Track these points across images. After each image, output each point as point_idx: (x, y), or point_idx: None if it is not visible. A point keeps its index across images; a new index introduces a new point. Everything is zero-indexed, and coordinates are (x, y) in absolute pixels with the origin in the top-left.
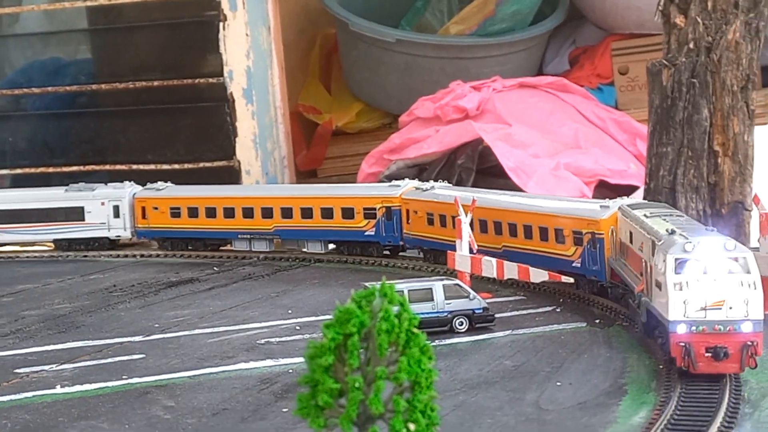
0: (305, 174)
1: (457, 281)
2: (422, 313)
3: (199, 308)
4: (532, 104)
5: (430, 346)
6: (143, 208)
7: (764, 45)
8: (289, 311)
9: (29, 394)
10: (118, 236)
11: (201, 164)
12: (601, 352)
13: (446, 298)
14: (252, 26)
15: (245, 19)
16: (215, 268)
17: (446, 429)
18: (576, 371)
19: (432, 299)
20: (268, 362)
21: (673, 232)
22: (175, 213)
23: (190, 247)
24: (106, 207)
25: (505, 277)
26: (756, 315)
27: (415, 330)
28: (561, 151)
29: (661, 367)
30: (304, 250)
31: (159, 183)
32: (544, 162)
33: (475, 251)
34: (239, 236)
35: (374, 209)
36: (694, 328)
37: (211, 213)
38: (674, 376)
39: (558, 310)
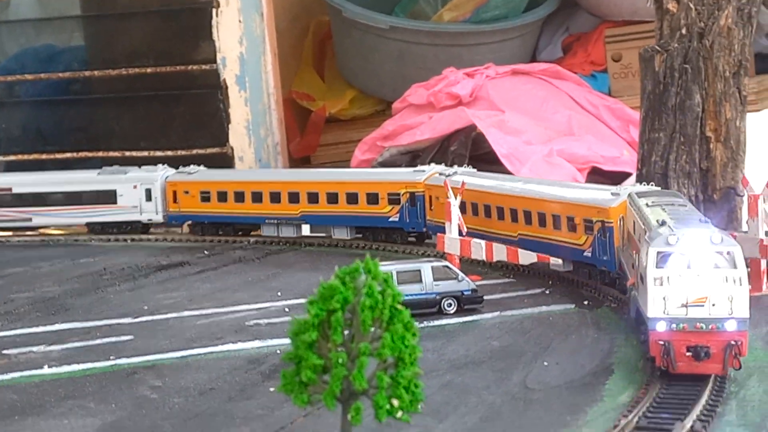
0: (298, 161)
1: (446, 263)
2: (411, 295)
3: (188, 291)
4: (526, 91)
5: (413, 322)
6: (174, 192)
7: (757, 31)
8: (279, 293)
9: (17, 375)
10: (150, 220)
11: (194, 151)
12: (589, 333)
13: (435, 280)
14: (245, 13)
15: (238, 5)
16: (206, 252)
17: (432, 408)
18: (563, 352)
19: (421, 281)
20: (257, 343)
21: (663, 224)
22: (205, 197)
23: (220, 232)
24: (138, 190)
25: (494, 260)
26: (741, 313)
27: (399, 306)
28: (554, 137)
29: None
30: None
31: (191, 166)
32: (537, 149)
33: (464, 234)
34: (266, 221)
35: (398, 195)
36: (674, 325)
37: (239, 197)
38: None
39: (547, 292)
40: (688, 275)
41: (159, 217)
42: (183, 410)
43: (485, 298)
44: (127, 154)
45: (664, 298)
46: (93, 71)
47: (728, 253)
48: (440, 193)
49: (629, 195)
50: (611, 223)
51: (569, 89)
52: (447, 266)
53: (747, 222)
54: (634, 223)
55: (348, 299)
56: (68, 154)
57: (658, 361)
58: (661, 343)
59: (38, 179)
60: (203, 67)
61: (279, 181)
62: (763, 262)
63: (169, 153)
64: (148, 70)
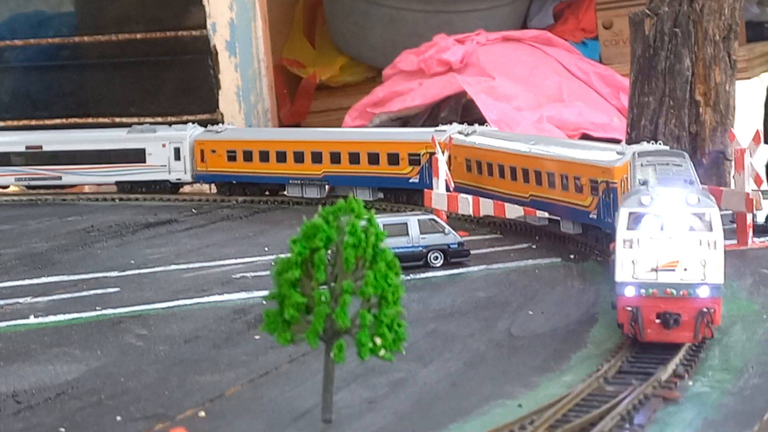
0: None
1: (433, 216)
2: (397, 248)
3: (175, 246)
4: (516, 57)
5: (397, 261)
6: (202, 151)
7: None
8: (266, 248)
9: (2, 324)
10: (179, 180)
11: (184, 117)
12: (574, 284)
13: (421, 233)
14: None
15: None
16: (194, 210)
17: (417, 354)
18: (549, 302)
19: (407, 234)
20: (243, 295)
21: (644, 183)
22: (232, 156)
23: (247, 192)
24: (167, 149)
25: (481, 214)
26: (714, 278)
27: (382, 245)
28: (544, 104)
29: None
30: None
31: (219, 125)
32: (527, 115)
33: (451, 189)
34: (290, 182)
35: (419, 155)
36: (643, 291)
37: (264, 157)
38: None
39: (534, 246)
40: (660, 238)
41: (188, 177)
42: (168, 357)
43: (472, 252)
44: (117, 119)
45: (632, 262)
46: (83, 37)
47: (705, 215)
48: (458, 152)
49: (633, 154)
50: (615, 183)
51: (560, 56)
52: (433, 220)
53: (733, 176)
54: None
55: (331, 237)
56: (58, 120)
57: (626, 328)
58: (629, 309)
59: (68, 137)
60: (193, 32)
61: (302, 141)
62: (749, 216)
63: (159, 119)
64: (138, 35)
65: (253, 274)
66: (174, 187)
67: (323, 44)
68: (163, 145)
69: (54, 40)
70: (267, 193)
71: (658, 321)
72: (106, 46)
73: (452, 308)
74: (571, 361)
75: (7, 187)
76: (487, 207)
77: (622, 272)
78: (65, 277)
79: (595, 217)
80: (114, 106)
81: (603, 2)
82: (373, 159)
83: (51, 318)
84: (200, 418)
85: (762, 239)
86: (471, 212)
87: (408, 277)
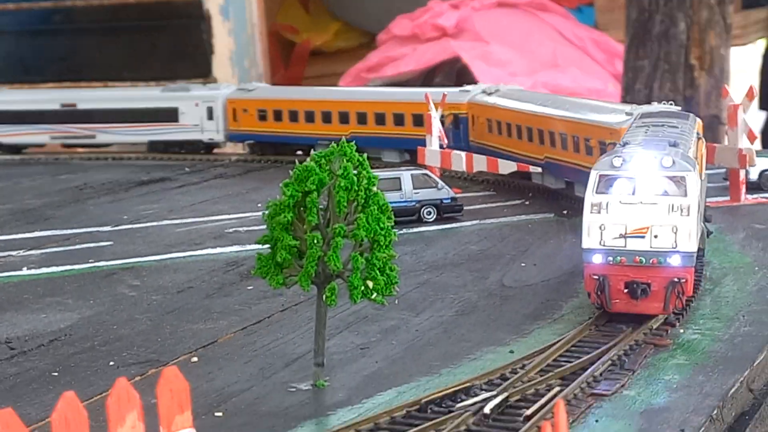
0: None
1: (426, 171)
2: (390, 202)
3: (168, 203)
4: (511, 23)
5: (389, 205)
6: (234, 110)
7: None
8: (259, 204)
9: None
10: (211, 139)
11: (178, 82)
12: (567, 238)
13: (414, 188)
14: None
15: None
16: (187, 169)
17: (409, 303)
18: (541, 255)
19: (400, 188)
20: (235, 248)
21: (624, 145)
22: (262, 116)
23: (279, 152)
24: (200, 108)
25: (474, 170)
26: (686, 246)
27: (374, 189)
28: (539, 70)
29: None
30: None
31: (253, 82)
32: (521, 81)
33: (445, 146)
34: (318, 143)
35: (443, 116)
36: (610, 258)
37: (293, 117)
38: None
39: (527, 203)
40: (630, 202)
41: (220, 137)
42: (161, 306)
43: (465, 208)
44: (110, 84)
45: (600, 227)
46: (75, 1)
47: (680, 178)
48: (479, 112)
49: (637, 115)
50: None
51: (555, 22)
52: (426, 174)
53: (726, 132)
54: None
55: (323, 181)
56: (50, 84)
57: (592, 298)
58: (596, 277)
59: (103, 95)
60: None
61: (330, 100)
62: (742, 172)
63: (153, 84)
64: (131, 0)
65: (246, 228)
66: (207, 147)
67: (317, 10)
68: (196, 104)
69: (46, 5)
70: (300, 153)
71: (626, 291)
72: (99, 10)
73: (445, 261)
74: (563, 310)
75: (43, 145)
76: (480, 163)
77: (588, 238)
78: (58, 232)
79: None
80: (107, 71)
81: None
82: (399, 120)
83: (44, 270)
84: (193, 363)
85: (755, 195)
86: (464, 168)
87: (401, 232)
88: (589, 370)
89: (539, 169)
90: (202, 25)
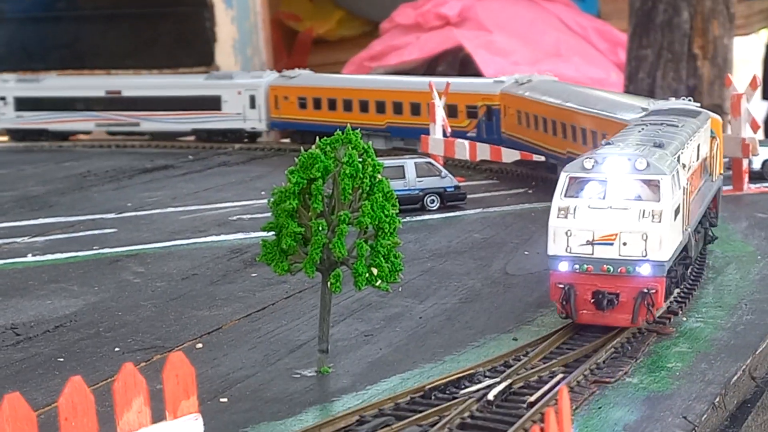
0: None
1: (429, 159)
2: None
3: (172, 190)
4: (514, 12)
5: (394, 192)
6: (275, 98)
7: None
8: (262, 192)
9: (0, 262)
10: (254, 128)
11: (180, 70)
12: None
13: (418, 176)
14: None
15: None
16: (190, 157)
17: (413, 290)
18: (544, 243)
19: (404, 176)
20: (239, 235)
21: (608, 144)
22: (302, 104)
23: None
24: (242, 96)
25: (478, 159)
26: (657, 255)
27: (379, 176)
28: (542, 59)
29: None
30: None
31: (295, 69)
32: (524, 70)
33: (448, 134)
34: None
35: (476, 108)
36: (577, 266)
37: (332, 105)
38: None
39: (530, 191)
40: (599, 207)
41: (263, 125)
42: (165, 292)
43: (468, 196)
44: (113, 71)
45: (567, 233)
46: None
47: (655, 182)
48: (511, 102)
49: (647, 112)
50: None
51: (558, 11)
52: (430, 163)
53: (729, 121)
54: None
55: (329, 168)
56: (53, 72)
57: (558, 308)
58: (561, 286)
59: (147, 82)
60: None
61: (367, 89)
62: (745, 162)
63: (155, 72)
64: None
65: (249, 216)
66: (250, 136)
67: None
68: (239, 93)
69: None
70: None
71: (593, 301)
72: None
73: (448, 248)
74: None
75: (89, 132)
76: (483, 151)
77: (554, 245)
78: (62, 219)
79: None
80: (110, 59)
81: None
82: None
83: (48, 256)
84: (198, 350)
85: (757, 185)
86: (467, 157)
87: (404, 220)
88: (593, 358)
89: (542, 158)
90: (205, 13)
